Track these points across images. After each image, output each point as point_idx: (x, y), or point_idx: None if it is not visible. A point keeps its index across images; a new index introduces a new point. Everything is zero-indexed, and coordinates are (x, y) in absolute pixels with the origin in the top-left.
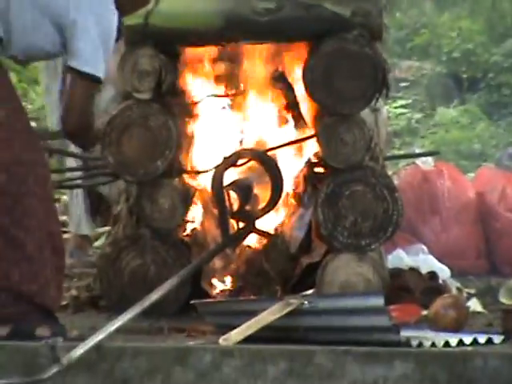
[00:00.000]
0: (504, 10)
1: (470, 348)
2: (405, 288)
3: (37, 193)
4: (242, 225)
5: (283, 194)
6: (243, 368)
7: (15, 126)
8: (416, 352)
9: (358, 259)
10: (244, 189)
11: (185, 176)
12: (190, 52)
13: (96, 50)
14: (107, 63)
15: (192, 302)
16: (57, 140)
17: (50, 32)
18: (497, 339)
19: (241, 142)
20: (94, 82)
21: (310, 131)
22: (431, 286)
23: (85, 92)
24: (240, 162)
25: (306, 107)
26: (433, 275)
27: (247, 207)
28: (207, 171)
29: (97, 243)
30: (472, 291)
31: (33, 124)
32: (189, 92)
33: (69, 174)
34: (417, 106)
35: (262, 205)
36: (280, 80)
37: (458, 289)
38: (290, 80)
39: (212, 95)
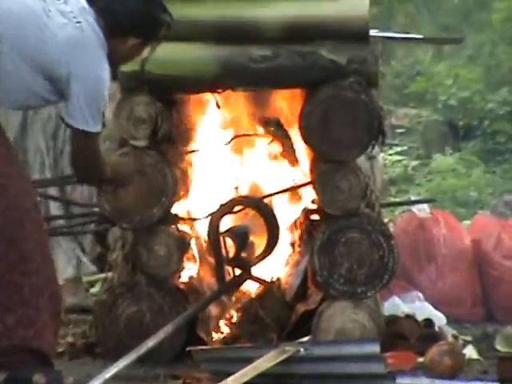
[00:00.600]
0: (500, 58)
1: None
2: (401, 335)
3: (33, 238)
4: (238, 272)
5: (279, 241)
6: None
7: (9, 173)
8: None
9: (354, 306)
10: (240, 236)
11: (181, 223)
12: (186, 99)
13: (88, 106)
14: (103, 114)
15: (188, 349)
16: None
17: (45, 84)
18: None
19: (237, 188)
20: (89, 136)
21: (306, 178)
22: (427, 333)
23: (82, 144)
24: (236, 209)
25: (302, 154)
26: (429, 322)
27: (243, 254)
28: (203, 218)
29: (93, 289)
30: (468, 338)
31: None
32: (184, 139)
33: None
34: (413, 153)
35: (258, 252)
36: (276, 126)
37: (454, 336)
38: (285, 126)
39: (209, 143)
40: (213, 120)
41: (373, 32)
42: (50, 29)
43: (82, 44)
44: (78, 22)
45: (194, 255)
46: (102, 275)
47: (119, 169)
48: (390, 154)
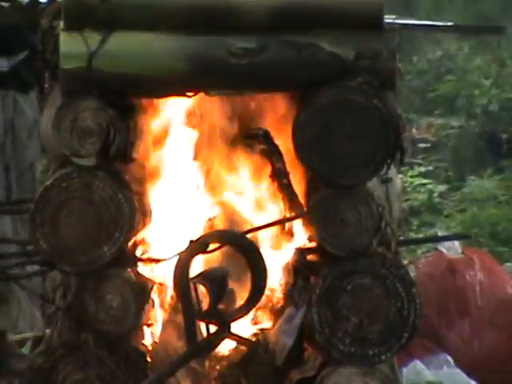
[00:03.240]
0: None
1: None
2: None
3: None
4: (213, 329)
5: (266, 289)
6: None
7: None
8: None
9: (364, 373)
10: (216, 282)
11: (139, 265)
12: (146, 105)
13: None
14: None
15: None
16: None
17: None
18: None
19: (211, 220)
20: None
21: (302, 207)
22: None
23: None
24: (211, 247)
25: (297, 176)
26: None
27: (220, 306)
28: (169, 259)
29: (24, 350)
30: None
31: None
32: (144, 156)
33: None
34: (440, 174)
35: (239, 303)
36: (263, 141)
37: None
38: (275, 141)
39: (175, 162)
40: (180, 132)
41: (389, 18)
42: None
43: None
44: None
45: (155, 307)
46: (33, 333)
47: None
48: (411, 176)
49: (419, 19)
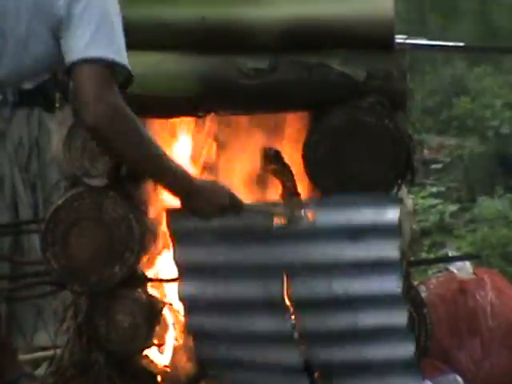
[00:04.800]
0: None
1: None
2: None
3: None
4: None
5: None
6: None
7: None
8: None
9: None
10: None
11: (150, 286)
12: (158, 124)
13: (102, 32)
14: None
15: None
16: None
17: (49, 42)
18: None
19: None
20: (106, 67)
21: None
22: None
23: (94, 78)
24: None
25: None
26: None
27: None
28: (179, 279)
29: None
30: None
31: None
32: None
33: None
34: (452, 195)
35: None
36: (274, 161)
37: None
38: (287, 161)
39: None
40: (190, 151)
41: (400, 38)
42: None
43: None
44: None
45: (167, 327)
46: (49, 352)
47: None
48: (423, 197)
49: (431, 38)
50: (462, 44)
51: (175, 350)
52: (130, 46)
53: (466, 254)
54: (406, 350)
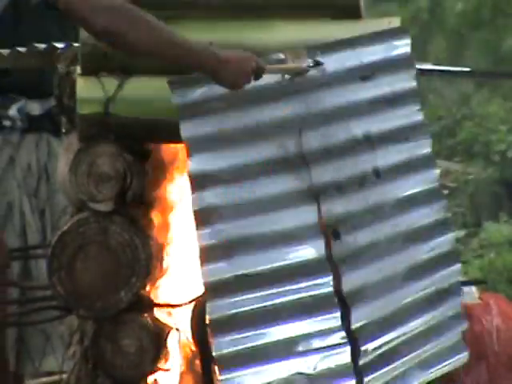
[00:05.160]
0: None
1: None
2: None
3: None
4: None
5: None
6: None
7: None
8: None
9: None
10: None
11: (156, 310)
12: (164, 150)
13: None
14: None
15: None
16: None
17: None
18: None
19: None
20: None
21: None
22: None
23: None
24: None
25: None
26: None
27: None
28: (186, 304)
29: None
30: None
31: None
32: (161, 202)
33: None
34: (457, 220)
35: None
36: None
37: None
38: None
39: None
40: None
41: None
42: None
43: None
44: None
45: (173, 353)
46: (55, 377)
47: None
48: None
49: (436, 63)
50: (469, 69)
51: (182, 375)
52: (140, 71)
53: (472, 280)
54: (431, 176)
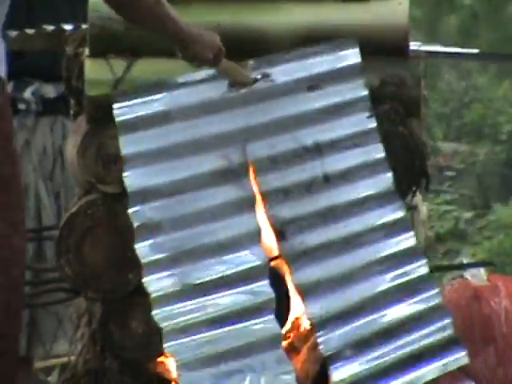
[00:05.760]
0: None
1: None
2: None
3: None
4: None
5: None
6: None
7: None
8: None
9: None
10: None
11: None
12: None
13: None
14: None
15: None
16: None
17: None
18: None
19: None
20: None
21: None
22: None
23: None
24: None
25: None
26: None
27: None
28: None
29: (50, 378)
30: None
31: None
32: None
33: None
34: (466, 202)
35: None
36: None
37: None
38: None
39: None
40: None
41: (414, 45)
42: None
43: None
44: None
45: None
46: (62, 359)
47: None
48: (437, 204)
49: (445, 44)
50: (477, 51)
51: None
52: (148, 53)
53: (480, 261)
54: (383, 179)
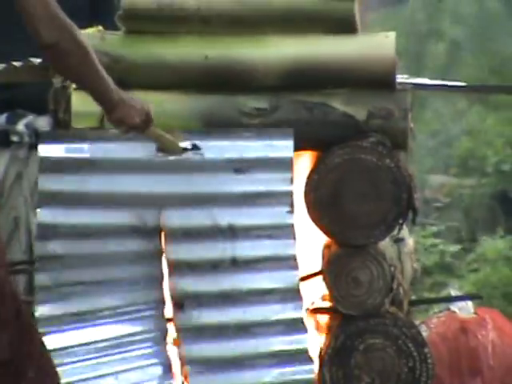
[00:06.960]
0: None
1: None
2: None
3: None
4: None
5: None
6: None
7: None
8: None
9: None
10: None
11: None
12: None
13: None
14: None
15: None
16: None
17: None
18: None
19: None
20: None
21: (314, 266)
22: None
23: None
24: None
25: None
26: None
27: None
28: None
29: None
30: None
31: None
32: None
33: None
34: (453, 235)
35: None
36: None
37: None
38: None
39: None
40: None
41: (401, 77)
42: None
43: None
44: None
45: None
46: None
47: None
48: (424, 237)
49: (432, 78)
50: (464, 84)
51: None
52: (135, 86)
53: (467, 294)
54: (290, 276)
